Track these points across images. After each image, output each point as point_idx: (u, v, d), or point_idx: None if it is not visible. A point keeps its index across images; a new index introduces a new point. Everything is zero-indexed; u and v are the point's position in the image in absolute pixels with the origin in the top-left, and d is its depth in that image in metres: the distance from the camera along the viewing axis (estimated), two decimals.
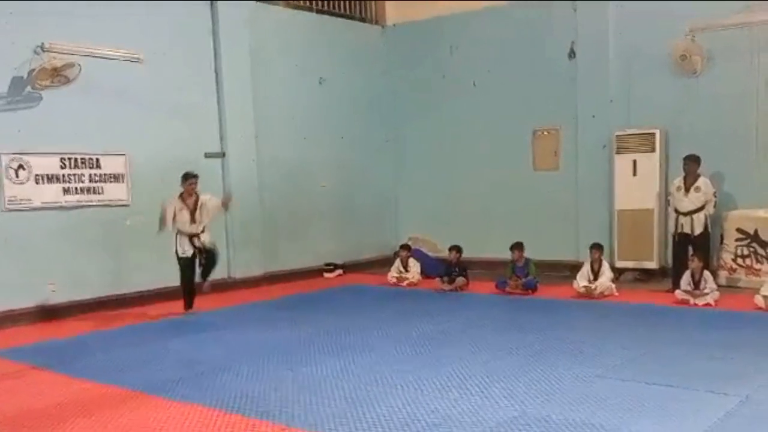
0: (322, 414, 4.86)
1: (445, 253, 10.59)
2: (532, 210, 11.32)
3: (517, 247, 9.66)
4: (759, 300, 7.86)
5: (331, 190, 11.99)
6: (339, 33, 12.21)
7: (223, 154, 10.46)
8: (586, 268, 9.17)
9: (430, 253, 11.66)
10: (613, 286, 9.04)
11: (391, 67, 12.85)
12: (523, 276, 9.49)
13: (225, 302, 9.35)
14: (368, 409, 4.92)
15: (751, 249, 9.11)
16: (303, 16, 11.72)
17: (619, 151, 10.19)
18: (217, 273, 9.17)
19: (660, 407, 4.83)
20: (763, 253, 8.96)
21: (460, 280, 9.97)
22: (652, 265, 9.94)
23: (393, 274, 10.77)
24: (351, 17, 12.56)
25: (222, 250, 9.44)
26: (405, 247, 11.08)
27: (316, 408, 5.00)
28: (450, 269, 10.16)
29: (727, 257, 9.28)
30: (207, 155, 10.22)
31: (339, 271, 11.80)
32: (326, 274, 11.70)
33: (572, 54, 10.84)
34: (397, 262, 10.89)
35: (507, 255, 9.78)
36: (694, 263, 8.46)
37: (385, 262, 11.58)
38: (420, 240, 12.15)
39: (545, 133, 11.34)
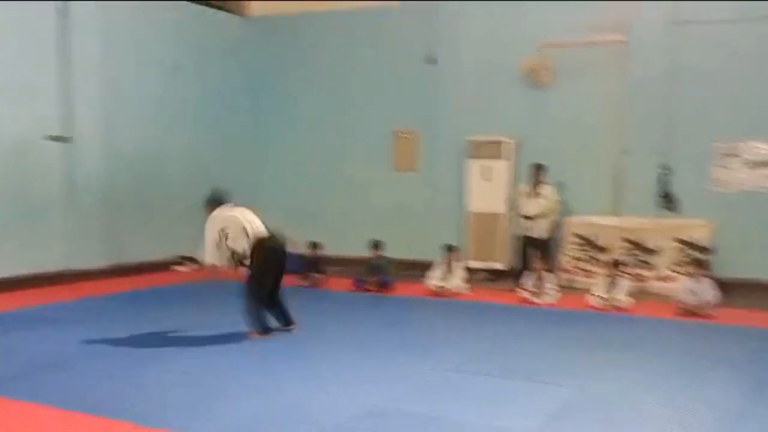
0: (171, 411, 4.73)
1: (303, 249, 10.59)
2: (391, 209, 11.59)
3: (376, 245, 9.87)
4: (592, 299, 8.54)
5: (186, 180, 11.60)
6: (197, 20, 11.79)
7: (67, 139, 9.84)
8: (439, 268, 9.52)
9: (289, 250, 11.58)
10: (465, 285, 9.46)
11: (253, 59, 12.65)
12: (380, 274, 9.70)
13: (68, 295, 8.82)
14: (220, 407, 4.84)
15: (587, 253, 9.85)
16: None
17: (473, 156, 10.67)
18: (54, 264, 8.64)
19: (504, 398, 5.15)
20: (598, 257, 9.71)
21: (317, 276, 10.02)
22: (500, 265, 10.50)
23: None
24: (210, 5, 12.19)
25: (60, 239, 8.86)
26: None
27: (166, 406, 4.86)
28: (308, 265, 10.18)
29: (566, 260, 9.98)
30: (49, 138, 9.57)
31: (194, 265, 11.43)
32: (180, 268, 11.27)
33: (431, 60, 11.21)
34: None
35: (366, 253, 9.96)
36: (538, 265, 9.05)
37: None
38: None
39: (405, 135, 11.64)
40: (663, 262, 9.42)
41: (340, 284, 9.98)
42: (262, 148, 12.80)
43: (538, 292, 8.82)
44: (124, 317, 7.78)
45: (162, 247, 11.15)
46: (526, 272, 9.20)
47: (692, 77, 9.59)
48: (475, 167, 10.68)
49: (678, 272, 9.17)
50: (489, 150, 10.60)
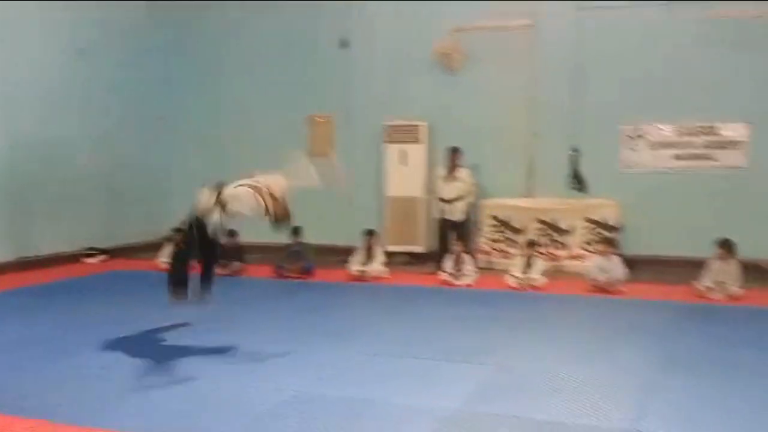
0: (87, 407, 4.57)
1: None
2: (309, 195, 11.39)
3: (295, 231, 9.76)
4: (509, 279, 8.76)
5: (93, 169, 11.12)
6: (103, 2, 11.29)
7: None
8: (360, 252, 9.53)
9: None
10: (385, 269, 9.51)
11: (164, 43, 12.20)
12: (300, 260, 9.62)
13: None
14: (139, 400, 4.72)
15: (503, 234, 10.08)
16: None
17: (389, 140, 10.70)
18: None
19: (428, 379, 5.23)
20: (514, 238, 9.95)
21: (236, 264, 9.84)
22: (419, 249, 10.61)
23: (164, 259, 10.31)
24: None
25: None
26: (178, 231, 10.64)
27: (81, 401, 4.69)
28: (225, 254, 9.96)
29: (483, 241, 10.18)
30: None
31: (103, 257, 11.03)
32: (89, 260, 10.87)
33: (345, 44, 11.13)
34: (170, 247, 10.43)
35: (285, 240, 9.84)
36: (456, 247, 9.20)
37: (156, 247, 11.04)
38: None
39: (320, 119, 11.54)
40: (575, 242, 9.76)
41: (260, 272, 9.85)
42: (174, 133, 12.42)
43: (457, 274, 8.97)
44: (30, 312, 7.40)
45: (70, 237, 10.71)
46: (445, 255, 9.33)
47: (599, 61, 9.92)
48: (391, 151, 10.71)
49: (589, 251, 9.52)
50: (405, 134, 10.65)
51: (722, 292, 7.93)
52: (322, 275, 9.62)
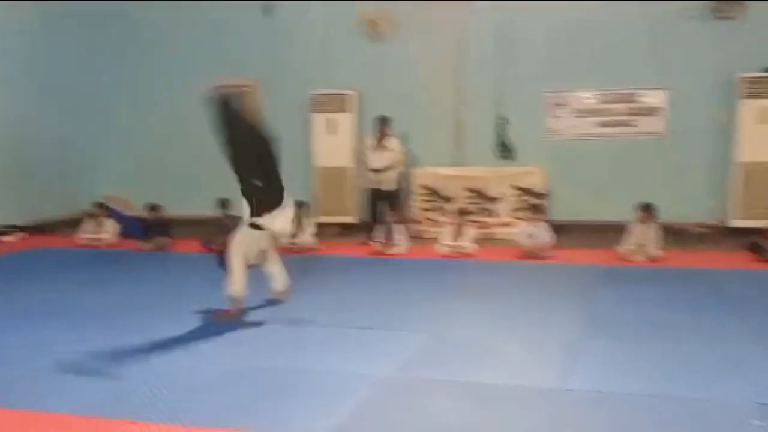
0: (10, 389, 4.41)
1: (142, 212, 10.11)
2: None
3: (223, 204, 9.56)
4: (440, 248, 8.85)
5: (5, 146, 10.59)
6: None
7: None
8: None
9: (126, 212, 10.98)
10: (316, 240, 9.45)
11: (79, 16, 11.62)
12: (228, 234, 9.41)
13: None
14: (72, 381, 4.56)
15: (434, 203, 10.16)
16: None
17: (317, 109, 10.56)
18: None
19: (363, 348, 5.25)
20: (444, 207, 10.04)
21: (162, 239, 9.59)
22: (351, 219, 10.58)
23: (86, 234, 9.96)
24: None
25: None
26: (99, 205, 10.30)
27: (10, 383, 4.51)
28: (150, 228, 9.71)
29: (414, 211, 10.23)
30: None
31: (21, 234, 10.56)
32: (5, 238, 10.39)
33: (268, 10, 10.88)
34: (91, 222, 10.08)
35: (213, 212, 9.66)
36: (387, 217, 9.21)
37: (76, 223, 10.64)
38: (115, 199, 11.35)
39: (244, 88, 11.25)
40: (504, 209, 9.93)
41: (187, 246, 9.62)
42: (101, 108, 11.94)
43: (389, 244, 9.00)
44: None
45: None
46: (376, 225, 9.33)
47: (525, 30, 10.02)
48: (319, 121, 10.59)
49: (517, 218, 9.70)
50: (333, 103, 10.54)
51: (643, 255, 8.23)
52: None
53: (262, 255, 6.27)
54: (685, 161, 9.61)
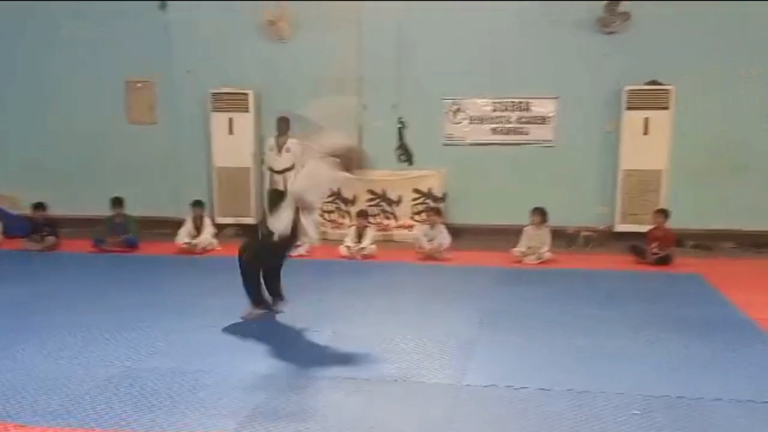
0: None
1: (28, 211, 9.64)
2: (132, 165, 10.91)
3: (116, 203, 9.28)
4: (343, 249, 8.90)
5: None
6: None
7: None
8: (187, 225, 9.23)
9: (11, 211, 10.42)
10: (215, 241, 9.29)
11: None
12: (122, 233, 9.15)
13: None
14: None
15: (335, 205, 10.20)
16: None
17: (216, 108, 10.39)
18: None
19: (263, 349, 5.24)
20: (345, 209, 10.10)
21: (50, 239, 9.17)
22: (251, 220, 10.44)
23: None
24: None
25: None
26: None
27: None
28: (37, 227, 9.26)
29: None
30: None
31: None
32: None
33: (163, 5, 10.61)
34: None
35: (105, 212, 9.35)
36: None
37: None
38: (0, 196, 10.76)
39: (139, 84, 10.95)
40: (404, 212, 10.09)
41: (77, 246, 9.25)
42: None
43: None
44: None
45: None
46: None
47: (424, 37, 10.23)
48: (218, 120, 10.42)
49: (417, 220, 9.90)
50: (233, 102, 10.39)
51: (535, 257, 8.59)
52: (147, 248, 9.23)
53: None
54: (574, 168, 10.08)
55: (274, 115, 9.88)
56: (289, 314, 6.17)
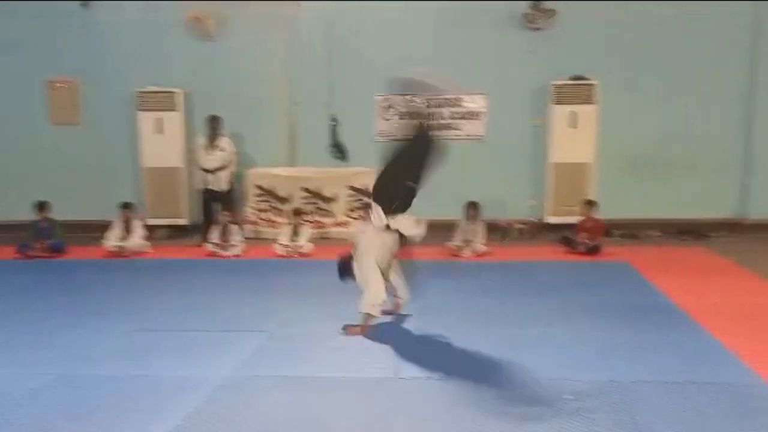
0: None
1: None
2: (53, 167, 10.56)
3: (41, 207, 8.96)
4: (278, 248, 8.83)
5: None
6: None
7: None
8: (116, 228, 8.99)
9: None
10: (146, 243, 9.07)
11: None
12: (48, 238, 8.83)
13: None
14: None
15: (270, 204, 10.10)
16: None
17: (143, 108, 10.13)
18: None
19: (200, 350, 5.18)
20: (280, 207, 10.02)
21: None
22: (183, 221, 10.26)
23: None
24: None
25: None
26: None
27: None
28: None
29: (250, 211, 10.11)
30: None
31: None
32: None
33: (84, 3, 10.29)
34: None
35: (29, 216, 9.02)
36: (222, 218, 9.05)
37: None
38: None
39: (60, 84, 10.59)
40: (339, 209, 10.08)
41: (1, 252, 8.88)
42: None
43: (224, 245, 8.84)
44: None
45: None
46: (210, 226, 9.14)
47: (353, 35, 10.23)
48: (146, 120, 10.17)
49: (352, 217, 9.89)
50: (160, 101, 10.15)
51: (470, 250, 8.71)
52: (75, 253, 8.94)
53: (390, 261, 5.72)
54: (506, 162, 10.26)
55: (205, 114, 9.71)
56: (225, 314, 6.09)
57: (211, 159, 9.53)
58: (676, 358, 4.90)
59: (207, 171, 9.54)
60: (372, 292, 5.45)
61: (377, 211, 5.56)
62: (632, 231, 9.89)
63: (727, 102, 9.94)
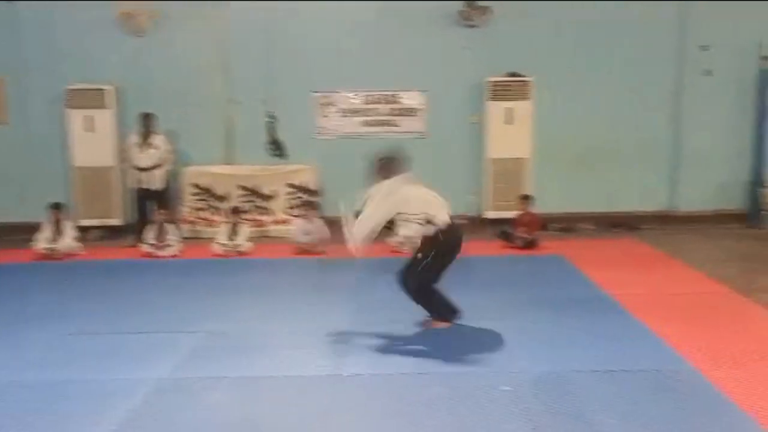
0: None
1: None
2: None
3: None
4: (215, 247, 8.69)
5: None
6: None
7: None
8: (45, 229, 8.69)
9: None
10: (78, 244, 8.80)
11: None
12: None
13: None
14: None
15: (207, 202, 9.93)
16: None
17: (72, 106, 9.79)
18: None
19: (137, 352, 5.08)
20: (218, 206, 9.86)
21: None
22: (116, 221, 9.99)
23: None
24: None
25: None
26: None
27: None
28: None
29: (186, 210, 9.92)
30: None
31: None
32: None
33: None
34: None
35: None
36: (157, 217, 8.85)
37: None
38: None
39: None
40: (278, 207, 9.98)
41: None
42: None
43: (160, 245, 8.65)
44: None
45: None
46: (145, 226, 8.92)
47: (290, 31, 10.13)
48: (75, 117, 9.85)
49: (292, 215, 9.81)
50: (91, 99, 9.84)
51: (411, 246, 8.71)
52: (3, 257, 8.62)
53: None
54: (445, 158, 10.33)
55: (138, 111, 9.47)
56: (161, 315, 5.97)
57: (145, 157, 9.30)
58: (610, 348, 5.03)
59: (141, 169, 9.31)
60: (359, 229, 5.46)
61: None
62: (568, 225, 10.11)
63: (656, 99, 10.23)
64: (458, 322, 5.61)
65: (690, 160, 10.28)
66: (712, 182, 10.30)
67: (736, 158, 10.28)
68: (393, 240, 8.77)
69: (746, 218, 10.16)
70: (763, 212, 9.94)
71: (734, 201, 10.32)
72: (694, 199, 10.30)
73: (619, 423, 3.84)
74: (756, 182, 10.11)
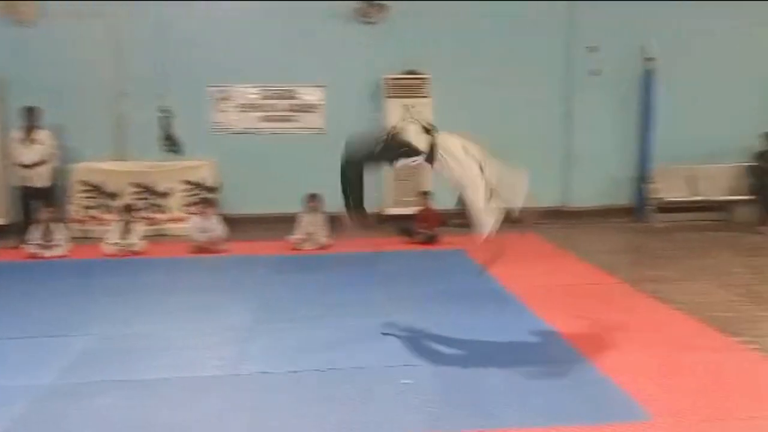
0: None
1: None
2: None
3: None
4: (106, 247, 8.33)
5: None
6: None
7: None
8: None
9: None
10: None
11: None
12: None
13: None
14: None
15: (98, 200, 9.50)
16: None
17: None
18: None
19: (18, 359, 4.81)
20: (109, 204, 9.44)
21: None
22: (1, 221, 9.40)
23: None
24: None
25: None
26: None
27: None
28: None
29: (74, 209, 9.45)
30: None
31: None
32: None
33: None
34: None
35: None
36: (43, 216, 8.39)
37: None
38: None
39: None
40: (174, 204, 9.67)
41: None
42: None
43: (46, 245, 8.21)
44: None
45: None
46: (30, 225, 8.44)
47: (185, 25, 9.84)
48: None
49: (189, 212, 9.51)
50: None
51: (312, 243, 8.67)
52: None
53: None
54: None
55: (21, 105, 8.94)
56: (49, 318, 5.67)
57: (29, 153, 8.80)
58: (505, 339, 5.16)
59: (25, 166, 8.81)
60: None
61: None
62: (467, 220, 10.28)
63: (547, 97, 10.58)
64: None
65: (580, 158, 10.69)
66: (601, 178, 10.76)
67: (623, 155, 10.78)
68: (293, 238, 8.71)
69: (633, 212, 10.69)
70: (647, 207, 10.49)
71: (622, 196, 10.82)
72: (585, 194, 10.73)
73: (515, 412, 3.93)
74: (641, 178, 10.64)
